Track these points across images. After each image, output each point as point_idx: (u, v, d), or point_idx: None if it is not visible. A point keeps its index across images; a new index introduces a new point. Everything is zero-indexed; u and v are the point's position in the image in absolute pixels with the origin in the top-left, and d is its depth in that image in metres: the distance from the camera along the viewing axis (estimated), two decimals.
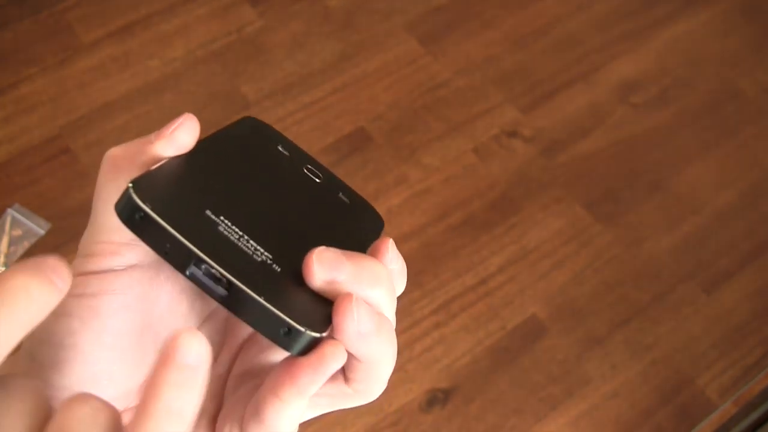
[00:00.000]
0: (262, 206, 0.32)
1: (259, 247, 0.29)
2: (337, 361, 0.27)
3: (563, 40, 1.23)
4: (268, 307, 0.27)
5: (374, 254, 0.31)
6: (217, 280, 0.27)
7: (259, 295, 0.27)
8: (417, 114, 1.13)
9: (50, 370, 0.30)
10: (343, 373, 0.30)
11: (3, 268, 0.97)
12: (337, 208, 0.36)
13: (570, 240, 1.04)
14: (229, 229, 0.29)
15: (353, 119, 1.12)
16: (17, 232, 1.00)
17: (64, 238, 1.00)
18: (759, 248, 1.05)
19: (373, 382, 0.30)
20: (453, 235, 1.03)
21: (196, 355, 0.24)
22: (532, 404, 0.93)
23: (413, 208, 1.05)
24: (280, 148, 0.36)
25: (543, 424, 0.92)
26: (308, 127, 1.11)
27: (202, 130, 0.34)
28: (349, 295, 0.28)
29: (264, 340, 0.32)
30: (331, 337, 0.28)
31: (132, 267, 0.30)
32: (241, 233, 0.29)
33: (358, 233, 0.35)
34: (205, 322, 0.33)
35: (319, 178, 0.36)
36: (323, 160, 1.08)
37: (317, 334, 0.27)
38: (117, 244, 0.30)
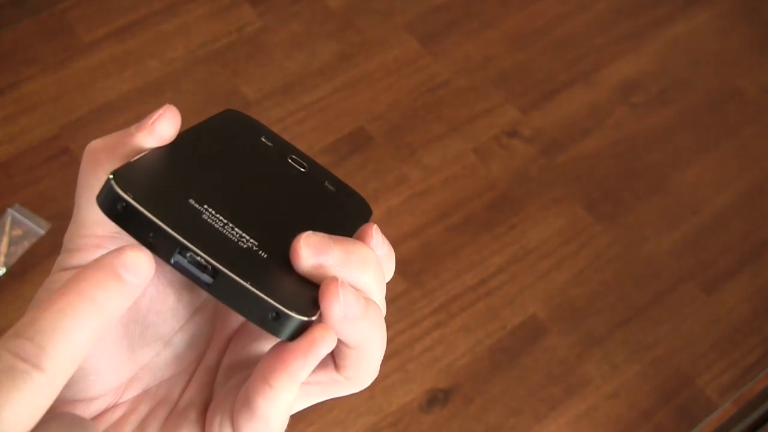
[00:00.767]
0: (247, 195, 0.32)
1: (244, 234, 0.29)
2: (327, 345, 0.27)
3: (563, 40, 1.23)
4: (255, 292, 0.27)
5: (360, 240, 0.31)
6: (202, 267, 0.27)
7: (246, 281, 0.27)
8: (417, 114, 1.13)
9: None
10: (334, 360, 0.30)
11: (3, 269, 0.97)
12: (323, 196, 0.35)
13: (570, 240, 1.04)
14: (213, 217, 0.29)
15: (353, 119, 1.12)
16: (17, 232, 1.00)
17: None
18: (759, 248, 1.05)
19: (363, 368, 0.30)
20: (453, 235, 1.03)
21: (141, 272, 0.25)
22: (532, 404, 0.93)
23: (413, 208, 1.05)
24: (263, 139, 0.35)
25: (543, 424, 0.92)
26: (308, 127, 1.11)
27: None
28: (334, 278, 0.28)
29: (254, 331, 0.32)
30: (320, 321, 0.28)
31: None
32: (225, 221, 0.29)
33: (345, 220, 0.34)
34: (193, 315, 0.33)
35: (303, 167, 0.35)
36: (323, 160, 1.08)
37: (306, 318, 0.27)
38: (100, 237, 0.29)
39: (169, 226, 0.27)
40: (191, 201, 0.29)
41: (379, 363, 0.30)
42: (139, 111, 1.11)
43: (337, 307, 0.27)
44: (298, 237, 0.28)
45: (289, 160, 0.35)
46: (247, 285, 0.27)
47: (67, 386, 0.29)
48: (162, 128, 0.30)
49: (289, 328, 0.27)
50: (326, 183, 0.36)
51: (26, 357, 0.23)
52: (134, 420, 0.31)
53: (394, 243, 1.02)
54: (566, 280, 1.01)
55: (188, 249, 0.27)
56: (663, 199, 1.09)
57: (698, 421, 0.93)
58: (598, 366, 0.95)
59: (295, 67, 1.16)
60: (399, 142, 1.10)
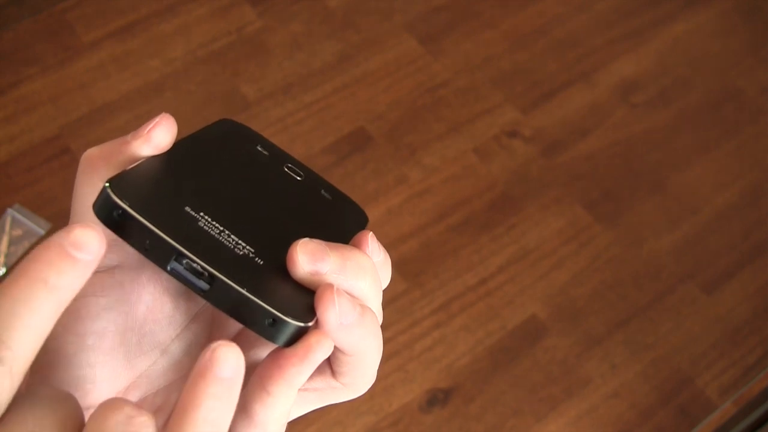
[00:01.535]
0: (243, 202, 0.32)
1: (240, 241, 0.29)
2: (324, 351, 0.27)
3: (563, 40, 1.23)
4: (251, 298, 0.27)
5: (355, 247, 0.31)
6: (198, 274, 0.27)
7: (242, 287, 0.27)
8: (417, 114, 1.13)
9: (33, 375, 0.29)
10: (330, 366, 0.30)
11: (3, 269, 0.97)
12: (319, 204, 0.35)
13: (570, 240, 1.04)
14: (209, 224, 0.29)
15: (353, 119, 1.12)
16: (17, 232, 1.00)
17: None
18: (759, 248, 1.05)
19: (360, 374, 0.30)
20: (453, 235, 1.03)
21: (234, 368, 0.25)
22: (532, 404, 0.93)
23: (413, 208, 1.05)
24: (259, 148, 0.35)
25: (543, 424, 0.92)
26: (308, 127, 1.11)
27: None
28: (330, 285, 0.28)
29: (251, 338, 0.32)
30: (317, 327, 0.28)
31: (113, 268, 0.30)
32: (221, 228, 0.29)
33: (341, 228, 0.34)
34: (191, 323, 0.33)
35: (299, 176, 0.35)
36: (323, 160, 1.08)
37: (302, 324, 0.27)
38: None
39: (165, 233, 0.27)
40: (187, 208, 0.29)
41: (376, 369, 0.30)
42: (139, 111, 1.11)
43: (332, 313, 0.27)
44: (294, 244, 0.28)
45: (285, 169, 0.35)
46: (244, 291, 0.27)
47: None
48: (158, 137, 0.30)
49: (285, 334, 0.27)
50: (322, 191, 0.36)
51: None
52: None
53: (394, 243, 1.02)
54: (566, 280, 1.01)
55: (184, 256, 0.27)
56: (663, 199, 1.09)
57: (698, 421, 0.93)
58: (598, 366, 0.95)
59: (295, 67, 1.16)
60: (399, 142, 1.10)
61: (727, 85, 1.20)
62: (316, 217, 0.35)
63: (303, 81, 1.15)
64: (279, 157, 0.36)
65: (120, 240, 0.27)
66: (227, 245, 0.28)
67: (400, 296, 0.98)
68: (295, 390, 0.27)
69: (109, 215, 0.27)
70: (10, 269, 0.98)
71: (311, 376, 0.29)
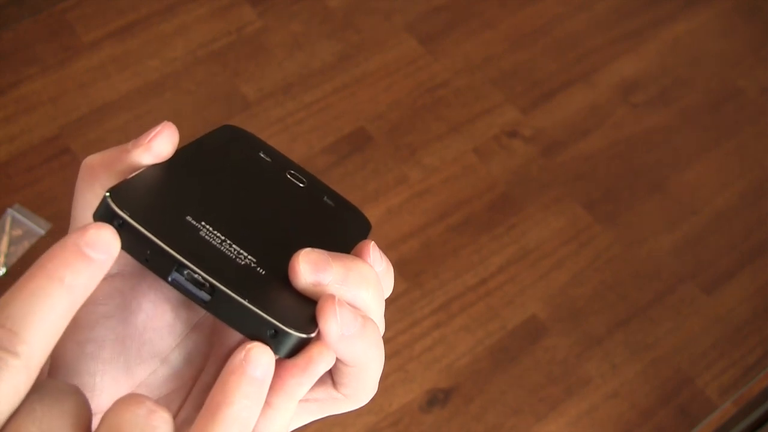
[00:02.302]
0: (245, 211, 0.31)
1: (242, 251, 0.29)
2: (325, 363, 0.27)
3: (563, 40, 1.23)
4: (252, 309, 0.27)
5: (357, 256, 0.31)
6: (199, 284, 0.27)
7: (243, 298, 0.27)
8: (417, 114, 1.13)
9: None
10: (332, 377, 0.30)
11: (3, 269, 0.97)
12: (321, 212, 0.35)
13: (570, 240, 1.04)
14: (210, 234, 0.28)
15: (353, 119, 1.12)
16: (17, 232, 1.00)
17: None
18: (759, 248, 1.05)
19: (361, 386, 0.30)
20: (453, 235, 1.03)
21: (266, 369, 0.25)
22: (532, 404, 0.93)
23: (413, 208, 1.05)
24: (261, 155, 0.35)
25: (543, 424, 0.92)
26: (308, 127, 1.11)
27: (201, 129, 0.34)
28: (331, 296, 0.28)
29: None
30: (319, 338, 0.28)
31: (113, 276, 0.30)
32: (223, 238, 0.29)
33: (343, 236, 0.34)
34: (191, 332, 0.33)
35: (302, 182, 0.35)
36: (323, 160, 1.08)
37: (304, 335, 0.27)
38: None
39: (166, 244, 0.27)
40: (188, 218, 0.29)
41: (378, 380, 0.30)
42: (139, 111, 1.11)
43: (334, 325, 0.27)
44: (296, 254, 0.28)
45: (288, 176, 0.35)
46: (245, 302, 0.27)
47: None
48: (159, 146, 0.30)
49: (287, 345, 0.27)
50: (325, 198, 0.36)
51: (0, 344, 0.23)
52: None
53: (394, 243, 1.02)
54: (566, 280, 1.01)
55: (186, 266, 0.27)
56: (663, 199, 1.09)
57: (698, 421, 0.93)
58: (598, 366, 0.95)
59: (295, 67, 1.16)
60: (399, 142, 1.10)
61: (727, 85, 1.20)
62: (318, 225, 0.34)
63: (303, 81, 1.15)
64: (281, 163, 0.35)
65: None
66: (228, 255, 0.28)
67: (400, 296, 0.98)
68: (296, 401, 0.27)
69: (109, 224, 0.27)
70: (10, 269, 0.98)
71: (312, 387, 0.29)
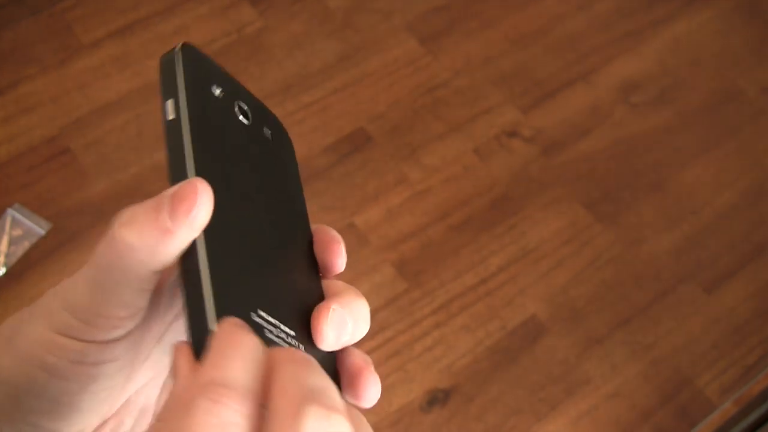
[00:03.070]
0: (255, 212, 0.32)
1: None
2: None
3: (563, 40, 1.23)
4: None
5: (314, 323, 0.31)
6: None
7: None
8: (417, 114, 1.13)
9: (42, 417, 0.29)
10: None
11: (3, 269, 0.97)
12: (269, 155, 0.34)
13: (570, 240, 1.04)
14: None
15: (353, 119, 1.12)
16: (17, 232, 1.00)
17: (64, 238, 1.00)
18: (759, 248, 1.05)
19: None
20: (453, 235, 1.03)
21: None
22: (532, 404, 0.93)
23: (413, 208, 1.05)
24: (213, 90, 0.32)
25: (543, 424, 0.92)
26: (308, 127, 1.11)
27: None
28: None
29: None
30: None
31: (130, 332, 0.30)
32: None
33: (284, 175, 0.34)
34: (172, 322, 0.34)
35: (247, 116, 0.34)
36: (323, 160, 1.08)
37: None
38: (121, 318, 0.29)
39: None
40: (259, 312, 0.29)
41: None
42: (139, 111, 1.11)
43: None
44: (319, 320, 0.30)
45: (237, 113, 0.33)
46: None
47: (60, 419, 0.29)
48: (202, 219, 0.28)
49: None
50: (264, 129, 0.35)
51: None
52: None
53: (394, 243, 1.02)
54: (566, 280, 1.01)
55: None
56: (663, 198, 1.09)
57: (698, 421, 0.93)
58: (598, 366, 0.95)
59: (295, 67, 1.16)
60: (399, 142, 1.10)
61: (727, 85, 1.20)
62: (277, 177, 0.34)
63: (303, 81, 1.15)
64: (231, 95, 0.33)
65: (140, 308, 0.29)
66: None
67: (400, 296, 0.98)
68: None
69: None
70: (10, 269, 0.98)
71: None
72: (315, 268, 0.33)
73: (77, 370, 0.29)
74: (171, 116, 0.30)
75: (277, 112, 1.12)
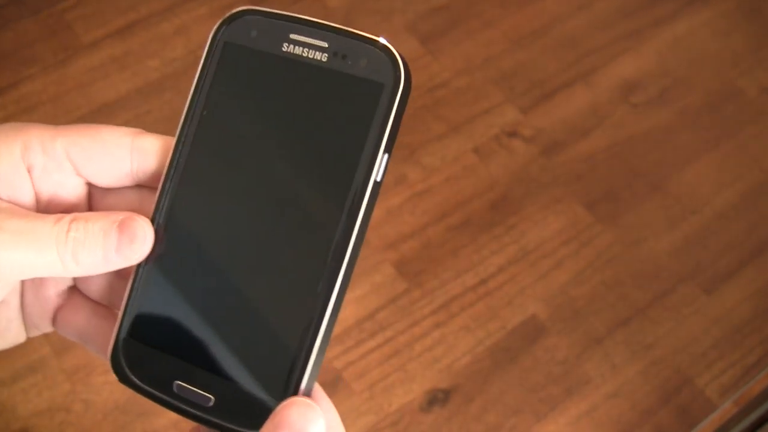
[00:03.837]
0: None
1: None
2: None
3: (563, 40, 1.23)
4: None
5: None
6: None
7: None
8: (417, 114, 1.13)
9: None
10: None
11: None
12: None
13: (570, 240, 1.04)
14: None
15: None
16: None
17: None
18: (759, 248, 1.05)
19: None
20: (453, 235, 1.03)
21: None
22: (532, 404, 0.93)
23: (413, 208, 1.05)
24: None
25: (543, 424, 0.92)
26: None
27: None
28: None
29: None
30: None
31: None
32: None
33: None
34: None
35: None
36: None
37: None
38: None
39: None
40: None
41: None
42: (139, 111, 1.11)
43: None
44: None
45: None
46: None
47: None
48: (137, 255, 0.31)
49: None
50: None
51: None
52: None
53: (394, 243, 1.02)
54: (566, 280, 1.01)
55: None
56: (663, 199, 1.09)
57: (698, 421, 0.93)
58: (598, 366, 0.95)
59: None
60: (398, 142, 1.10)
61: (727, 85, 1.20)
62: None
63: None
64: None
65: None
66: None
67: (400, 296, 0.98)
68: None
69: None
70: None
71: None
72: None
73: None
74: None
75: None
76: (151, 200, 0.33)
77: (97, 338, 0.34)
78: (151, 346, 0.29)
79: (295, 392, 0.27)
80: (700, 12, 1.27)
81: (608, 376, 0.95)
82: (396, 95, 0.30)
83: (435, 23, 1.23)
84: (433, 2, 1.24)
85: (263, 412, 0.27)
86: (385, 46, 0.30)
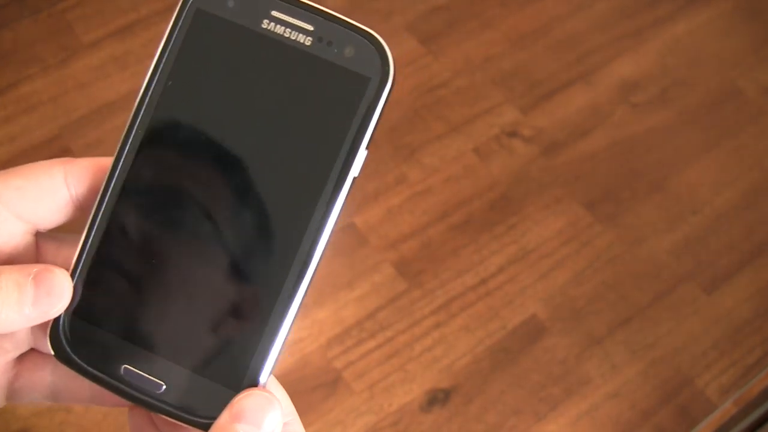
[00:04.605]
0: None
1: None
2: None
3: (563, 40, 1.23)
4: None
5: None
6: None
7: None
8: (417, 114, 1.13)
9: None
10: None
11: None
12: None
13: (570, 240, 1.04)
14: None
15: None
16: None
17: None
18: (759, 248, 1.05)
19: None
20: (453, 235, 1.03)
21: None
22: (532, 404, 0.93)
23: (413, 208, 1.05)
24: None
25: (543, 424, 0.92)
26: None
27: None
28: None
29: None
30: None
31: None
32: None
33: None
34: None
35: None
36: None
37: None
38: None
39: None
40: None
41: None
42: None
43: None
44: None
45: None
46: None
47: None
48: (53, 308, 0.31)
49: None
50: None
51: None
52: None
53: (394, 243, 1.02)
54: (566, 280, 1.01)
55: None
56: (663, 199, 1.09)
57: (698, 421, 0.93)
58: (598, 366, 0.95)
59: None
60: (399, 142, 1.10)
61: (727, 85, 1.20)
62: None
63: None
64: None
65: None
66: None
67: (400, 296, 0.98)
68: None
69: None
70: None
71: None
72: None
73: None
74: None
75: None
76: None
77: (71, 386, 0.33)
78: (97, 326, 0.28)
79: (254, 383, 0.27)
80: (700, 12, 1.27)
81: (608, 376, 0.95)
82: (383, 92, 0.29)
83: (435, 23, 1.23)
84: (433, 2, 1.24)
85: (218, 402, 0.27)
86: (376, 38, 0.30)
